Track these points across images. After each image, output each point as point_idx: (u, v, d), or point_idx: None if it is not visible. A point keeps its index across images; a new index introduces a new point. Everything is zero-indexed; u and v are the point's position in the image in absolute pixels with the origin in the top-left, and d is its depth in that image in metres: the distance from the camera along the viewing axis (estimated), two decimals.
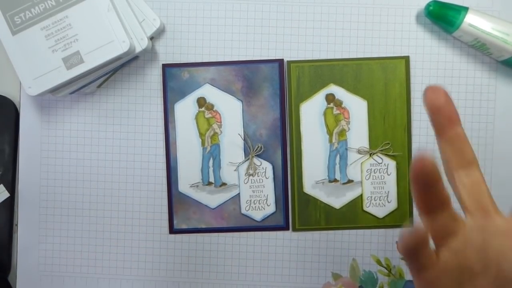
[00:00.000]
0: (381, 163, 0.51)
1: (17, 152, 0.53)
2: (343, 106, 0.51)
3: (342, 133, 0.51)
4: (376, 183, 0.51)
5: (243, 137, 0.52)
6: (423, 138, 0.52)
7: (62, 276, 0.53)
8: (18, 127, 0.53)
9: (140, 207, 0.53)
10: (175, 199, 0.52)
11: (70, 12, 0.48)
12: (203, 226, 0.52)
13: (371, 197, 0.51)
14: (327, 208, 0.52)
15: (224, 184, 0.52)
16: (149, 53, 0.52)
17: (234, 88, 0.51)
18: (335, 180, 0.52)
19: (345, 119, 0.51)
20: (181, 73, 0.52)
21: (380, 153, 0.51)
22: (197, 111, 0.52)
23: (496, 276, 0.23)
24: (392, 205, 0.52)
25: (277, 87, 0.51)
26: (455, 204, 0.25)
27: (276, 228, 0.52)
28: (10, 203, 0.53)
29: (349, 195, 0.52)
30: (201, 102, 0.52)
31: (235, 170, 0.52)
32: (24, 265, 0.53)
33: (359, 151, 0.51)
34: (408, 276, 0.52)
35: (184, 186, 0.52)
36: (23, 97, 0.53)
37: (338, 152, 0.51)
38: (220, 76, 0.51)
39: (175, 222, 0.52)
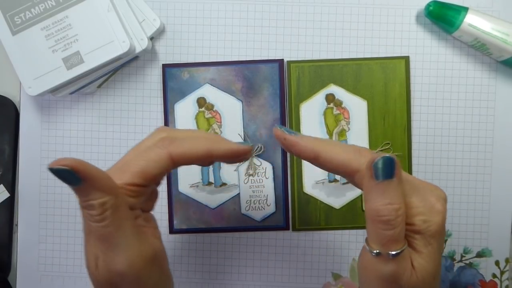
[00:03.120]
0: None
1: (17, 152, 0.53)
2: (343, 106, 0.51)
3: (342, 133, 0.51)
4: None
5: (243, 137, 0.52)
6: (423, 138, 0.52)
7: (62, 276, 0.53)
8: (18, 127, 0.53)
9: None
10: (175, 199, 0.52)
11: (70, 12, 0.48)
12: (203, 226, 0.52)
13: None
14: (327, 208, 0.52)
15: (224, 184, 0.52)
16: (149, 53, 0.52)
17: (234, 88, 0.51)
18: (335, 180, 0.52)
19: (345, 119, 0.51)
20: (181, 73, 0.52)
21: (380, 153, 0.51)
22: (197, 111, 0.52)
23: None
24: None
25: (277, 87, 0.51)
26: None
27: (276, 228, 0.52)
28: (10, 203, 0.53)
29: (349, 195, 0.52)
30: (201, 102, 0.52)
31: (235, 170, 0.52)
32: (24, 265, 0.53)
33: None
34: None
35: (184, 186, 0.52)
36: (23, 97, 0.53)
37: None
38: (220, 76, 0.51)
39: (175, 222, 0.52)
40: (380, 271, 0.27)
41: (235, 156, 0.34)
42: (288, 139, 0.31)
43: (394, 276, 0.27)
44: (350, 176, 0.30)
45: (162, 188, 0.52)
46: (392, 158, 0.26)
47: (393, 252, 0.27)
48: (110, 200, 0.28)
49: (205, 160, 0.33)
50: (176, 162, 0.32)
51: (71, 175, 0.27)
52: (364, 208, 0.28)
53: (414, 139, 0.51)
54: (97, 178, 0.28)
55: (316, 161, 0.30)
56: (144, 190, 0.32)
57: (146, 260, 0.30)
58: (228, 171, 0.52)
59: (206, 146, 0.32)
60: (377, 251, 0.27)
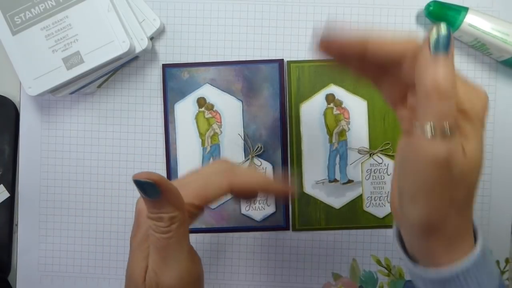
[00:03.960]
0: (381, 163, 0.51)
1: (17, 152, 0.53)
2: (343, 106, 0.51)
3: (342, 133, 0.51)
4: (376, 183, 0.51)
5: (243, 137, 0.52)
6: None
7: (62, 276, 0.53)
8: (18, 127, 0.53)
9: None
10: None
11: (70, 12, 0.48)
12: (203, 226, 0.52)
13: (371, 197, 0.51)
14: (327, 208, 0.52)
15: None
16: (149, 53, 0.52)
17: (234, 88, 0.51)
18: (335, 180, 0.52)
19: (345, 119, 0.51)
20: (181, 73, 0.52)
21: (380, 153, 0.51)
22: (197, 111, 0.52)
23: None
24: None
25: (277, 87, 0.51)
26: None
27: (276, 228, 0.52)
28: (10, 203, 0.53)
29: (349, 195, 0.52)
30: (201, 102, 0.52)
31: None
32: (24, 265, 0.53)
33: (359, 151, 0.51)
34: (408, 276, 0.52)
35: None
36: (23, 97, 0.53)
37: (338, 152, 0.51)
38: (220, 76, 0.51)
39: None
40: (433, 152, 0.26)
41: (281, 194, 0.37)
42: (330, 32, 0.29)
43: (448, 157, 0.26)
44: (400, 62, 0.29)
45: None
46: (449, 31, 0.26)
47: (449, 127, 0.26)
48: (178, 215, 0.29)
49: (259, 191, 0.35)
50: (233, 190, 0.33)
51: (154, 188, 0.28)
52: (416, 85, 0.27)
53: None
54: (173, 194, 0.29)
55: (364, 51, 0.29)
56: (199, 213, 0.33)
57: (193, 279, 0.31)
58: None
59: (264, 181, 0.35)
60: (433, 126, 0.26)
